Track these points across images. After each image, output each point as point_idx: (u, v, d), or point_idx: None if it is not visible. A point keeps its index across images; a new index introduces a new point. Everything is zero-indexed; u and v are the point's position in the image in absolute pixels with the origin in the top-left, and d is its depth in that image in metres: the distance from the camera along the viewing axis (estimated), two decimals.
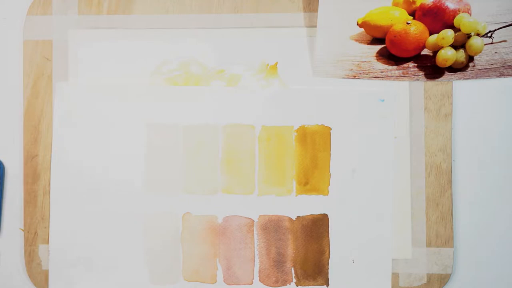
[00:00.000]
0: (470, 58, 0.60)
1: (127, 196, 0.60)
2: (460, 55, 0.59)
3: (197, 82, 0.61)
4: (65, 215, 0.60)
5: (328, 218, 0.60)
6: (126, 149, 0.60)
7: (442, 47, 0.59)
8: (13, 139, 0.62)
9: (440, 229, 0.59)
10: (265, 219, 0.60)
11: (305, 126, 0.60)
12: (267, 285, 0.60)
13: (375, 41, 0.60)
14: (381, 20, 0.59)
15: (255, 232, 0.60)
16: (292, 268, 0.60)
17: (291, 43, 0.60)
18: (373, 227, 0.59)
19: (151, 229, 0.60)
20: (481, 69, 0.60)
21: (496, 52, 0.59)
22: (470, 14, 0.58)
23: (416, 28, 0.59)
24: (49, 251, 0.60)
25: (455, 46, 0.59)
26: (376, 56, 0.60)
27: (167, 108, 0.60)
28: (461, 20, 0.58)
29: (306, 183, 0.60)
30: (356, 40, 0.60)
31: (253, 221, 0.60)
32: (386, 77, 0.60)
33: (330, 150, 0.60)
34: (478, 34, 0.58)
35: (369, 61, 0.60)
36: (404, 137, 0.60)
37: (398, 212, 0.59)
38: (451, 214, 0.59)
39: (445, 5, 0.58)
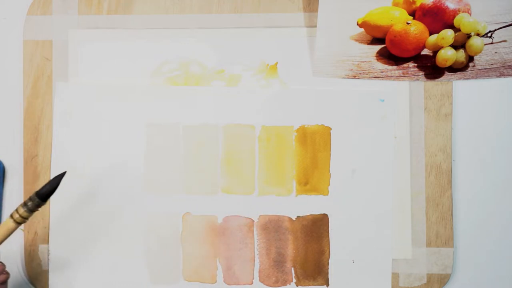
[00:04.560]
0: (470, 58, 0.60)
1: (127, 196, 0.60)
2: (460, 55, 0.59)
3: (197, 82, 0.61)
4: (65, 215, 0.60)
5: (328, 218, 0.60)
6: (126, 149, 0.60)
7: (442, 47, 0.59)
8: (13, 139, 0.62)
9: (440, 229, 0.59)
10: (265, 219, 0.60)
11: (305, 126, 0.60)
12: (267, 285, 0.60)
13: (375, 41, 0.60)
14: (381, 20, 0.59)
15: (255, 232, 0.60)
16: (292, 268, 0.60)
17: (291, 43, 0.60)
18: (373, 227, 0.59)
19: (151, 229, 0.60)
20: (481, 69, 0.60)
21: (496, 52, 0.59)
22: (470, 14, 0.58)
23: (416, 28, 0.59)
24: (49, 251, 0.60)
25: (455, 46, 0.59)
26: (376, 56, 0.60)
27: (167, 108, 0.60)
28: (461, 20, 0.58)
29: (306, 183, 0.60)
30: (356, 40, 0.60)
31: (253, 221, 0.60)
32: (386, 77, 0.60)
33: (330, 150, 0.60)
34: (478, 34, 0.58)
35: (369, 61, 0.60)
36: (404, 137, 0.60)
37: (398, 212, 0.59)
38: (451, 214, 0.59)
39: (445, 5, 0.58)
